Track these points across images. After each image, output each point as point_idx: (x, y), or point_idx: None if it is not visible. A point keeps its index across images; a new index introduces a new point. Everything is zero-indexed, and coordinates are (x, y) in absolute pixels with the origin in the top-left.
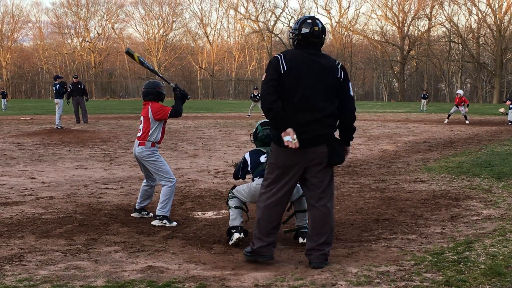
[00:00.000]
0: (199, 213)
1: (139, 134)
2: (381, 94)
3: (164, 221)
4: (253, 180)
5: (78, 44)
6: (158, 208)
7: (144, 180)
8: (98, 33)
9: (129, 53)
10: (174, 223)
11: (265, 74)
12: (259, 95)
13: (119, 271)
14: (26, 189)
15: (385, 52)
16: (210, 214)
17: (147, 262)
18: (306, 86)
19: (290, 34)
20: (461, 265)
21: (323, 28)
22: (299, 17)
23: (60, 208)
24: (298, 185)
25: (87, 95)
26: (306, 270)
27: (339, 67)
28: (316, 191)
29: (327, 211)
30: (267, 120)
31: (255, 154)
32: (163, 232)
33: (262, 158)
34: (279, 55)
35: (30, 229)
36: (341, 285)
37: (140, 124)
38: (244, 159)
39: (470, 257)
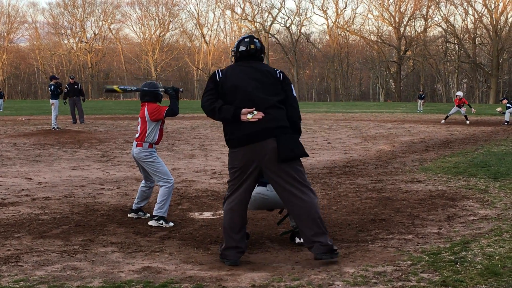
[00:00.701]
0: (196, 213)
1: (136, 135)
2: (378, 94)
3: (161, 221)
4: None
5: (74, 45)
6: (155, 208)
7: (143, 181)
8: (94, 33)
9: (108, 90)
10: (171, 224)
11: (206, 86)
12: None
13: (115, 271)
14: (23, 189)
15: (382, 53)
16: (207, 214)
17: (144, 262)
18: (245, 86)
19: (232, 52)
20: (457, 265)
21: (261, 46)
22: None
23: (57, 209)
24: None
25: (84, 96)
26: (303, 271)
27: (278, 71)
28: (289, 189)
29: (306, 205)
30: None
31: None
32: (160, 233)
33: None
34: (217, 70)
35: (27, 230)
36: (338, 285)
37: (138, 125)
38: None
39: (467, 257)
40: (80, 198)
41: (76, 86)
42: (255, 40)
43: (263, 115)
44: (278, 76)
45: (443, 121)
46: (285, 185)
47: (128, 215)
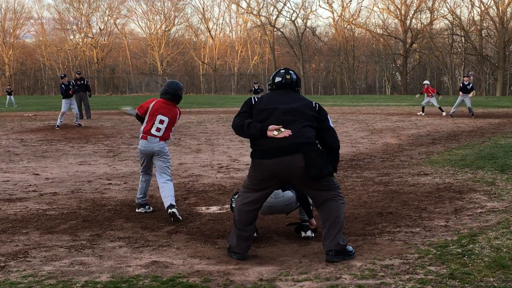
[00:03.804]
0: (203, 208)
1: (160, 133)
2: (384, 87)
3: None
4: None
5: (80, 40)
6: (173, 199)
7: (145, 176)
8: (100, 28)
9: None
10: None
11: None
12: (260, 88)
13: (123, 266)
14: (30, 185)
15: (388, 46)
16: (214, 209)
17: (152, 257)
18: (279, 108)
19: (268, 86)
20: (465, 258)
21: (297, 78)
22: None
23: (64, 204)
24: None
25: (90, 91)
26: (310, 264)
27: (314, 102)
28: (320, 198)
29: (334, 206)
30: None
31: None
32: (167, 227)
33: None
34: (253, 96)
35: (35, 225)
36: (345, 278)
37: (162, 123)
38: None
39: (474, 250)
40: (88, 193)
41: (82, 82)
42: (290, 71)
43: (290, 132)
44: (314, 106)
45: (420, 113)
46: (313, 192)
47: (137, 210)
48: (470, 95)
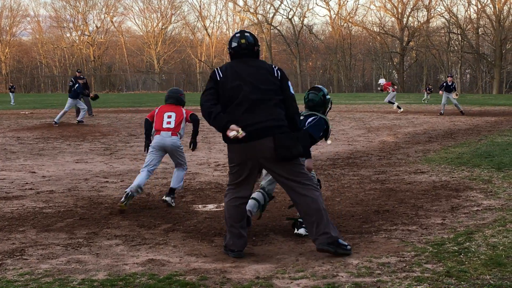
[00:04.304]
0: (200, 206)
1: (170, 125)
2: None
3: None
4: None
5: (76, 38)
6: (178, 185)
7: (143, 171)
8: (96, 26)
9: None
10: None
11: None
12: None
13: (120, 264)
14: (27, 183)
15: (385, 44)
16: (210, 206)
17: (148, 255)
18: (244, 85)
19: (228, 50)
20: (461, 256)
21: (254, 40)
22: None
23: (61, 202)
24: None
25: (89, 89)
26: (307, 262)
27: (275, 68)
28: (291, 184)
29: (308, 200)
30: (317, 86)
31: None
32: (164, 225)
33: None
34: (216, 68)
35: (31, 223)
36: (342, 276)
37: (170, 117)
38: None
39: (471, 248)
40: (84, 191)
41: (83, 81)
42: (246, 34)
43: (245, 135)
44: (276, 75)
45: (399, 110)
46: (286, 182)
47: (164, 198)
48: (454, 96)
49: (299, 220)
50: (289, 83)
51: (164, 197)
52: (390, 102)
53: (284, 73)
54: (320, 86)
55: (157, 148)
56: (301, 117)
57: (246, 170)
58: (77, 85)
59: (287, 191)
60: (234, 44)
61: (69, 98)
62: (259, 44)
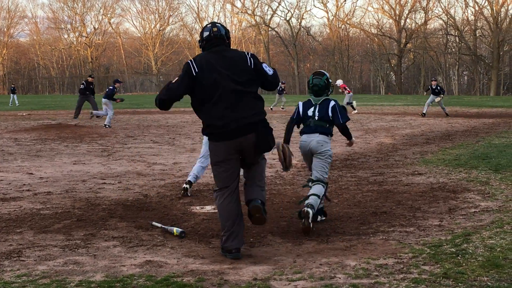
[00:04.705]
0: (197, 207)
1: None
2: (378, 87)
3: None
4: (300, 135)
5: (74, 39)
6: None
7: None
8: (94, 28)
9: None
10: None
11: (177, 78)
12: (283, 89)
13: (117, 266)
14: (24, 184)
15: (382, 45)
16: (208, 208)
17: (146, 256)
18: (222, 80)
19: (198, 43)
20: (459, 257)
21: (225, 31)
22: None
23: (58, 204)
24: (320, 164)
25: (93, 93)
26: (305, 264)
27: (248, 56)
28: (255, 173)
29: (261, 191)
30: (319, 71)
31: (306, 104)
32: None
33: (310, 112)
34: (190, 60)
35: (28, 225)
36: (340, 278)
37: None
38: (297, 108)
39: (468, 249)
40: (82, 192)
41: (91, 86)
42: (217, 24)
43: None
44: (250, 63)
45: (353, 111)
46: (251, 175)
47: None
48: (437, 99)
49: (307, 208)
50: (264, 65)
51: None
52: (349, 103)
53: (256, 58)
54: (322, 70)
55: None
56: (315, 106)
57: (231, 165)
58: (111, 87)
59: (246, 176)
60: (206, 34)
61: (103, 99)
62: (230, 37)
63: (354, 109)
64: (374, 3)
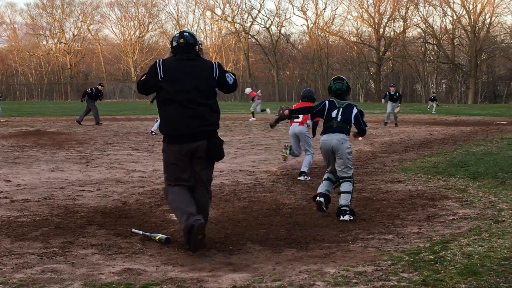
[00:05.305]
0: None
1: (299, 119)
2: (358, 95)
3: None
4: (321, 135)
5: (53, 46)
6: (305, 168)
7: (297, 151)
8: (73, 34)
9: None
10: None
11: (145, 75)
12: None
13: (96, 273)
14: (1, 191)
15: (361, 53)
16: None
17: (124, 264)
18: (184, 91)
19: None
20: (437, 265)
21: (193, 40)
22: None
23: (36, 211)
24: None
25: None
26: (284, 271)
27: (215, 67)
28: (197, 184)
29: (207, 201)
30: (339, 76)
31: (331, 104)
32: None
33: (333, 113)
34: (159, 63)
35: (6, 232)
36: (319, 285)
37: (297, 117)
38: (324, 103)
39: (447, 257)
40: (60, 200)
41: (100, 94)
42: (185, 34)
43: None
44: (215, 74)
45: (252, 118)
46: (202, 179)
47: (298, 178)
48: (396, 110)
49: (342, 208)
50: (227, 74)
51: (298, 177)
52: (263, 110)
53: (222, 69)
54: (341, 76)
55: (291, 136)
56: (339, 109)
57: (181, 167)
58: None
59: (195, 183)
60: (174, 44)
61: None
62: (200, 42)
63: (254, 118)
64: (354, 11)
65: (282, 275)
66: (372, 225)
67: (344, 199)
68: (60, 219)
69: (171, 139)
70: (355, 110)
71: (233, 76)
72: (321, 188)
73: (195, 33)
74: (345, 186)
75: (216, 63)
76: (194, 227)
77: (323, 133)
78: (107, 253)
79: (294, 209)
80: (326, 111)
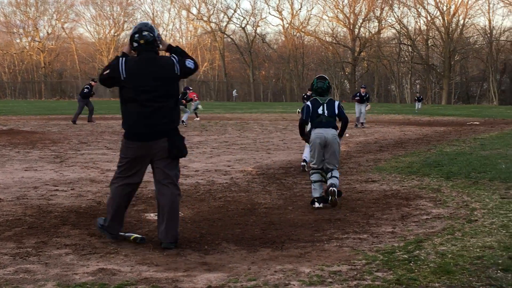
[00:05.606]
0: (152, 214)
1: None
2: (333, 95)
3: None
4: (313, 130)
5: (27, 44)
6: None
7: None
8: (47, 32)
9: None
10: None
11: (108, 71)
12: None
13: (70, 274)
14: None
15: (337, 54)
16: None
17: (99, 264)
18: (145, 91)
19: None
20: (411, 264)
21: (151, 37)
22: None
23: (9, 211)
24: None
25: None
26: (259, 271)
27: (176, 64)
28: (165, 181)
29: (176, 198)
30: (322, 75)
31: (315, 102)
32: None
33: (320, 110)
34: (121, 61)
35: None
36: (294, 285)
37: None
38: (307, 106)
39: (420, 256)
40: (33, 199)
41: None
42: (144, 34)
43: None
44: (176, 71)
45: (196, 118)
46: (162, 176)
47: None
48: (367, 108)
49: (331, 188)
50: (187, 61)
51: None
52: (195, 109)
53: (181, 61)
54: (324, 75)
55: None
56: (323, 105)
57: (137, 165)
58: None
59: (156, 182)
60: (135, 45)
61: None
62: (158, 33)
63: (197, 117)
64: (329, 11)
65: (257, 275)
66: (347, 225)
67: (335, 180)
68: (33, 219)
69: (131, 136)
70: (336, 103)
71: (192, 60)
72: (317, 192)
73: (156, 27)
74: (336, 172)
75: (176, 58)
76: (103, 231)
77: (314, 128)
78: (81, 253)
79: (270, 208)
80: (311, 110)
